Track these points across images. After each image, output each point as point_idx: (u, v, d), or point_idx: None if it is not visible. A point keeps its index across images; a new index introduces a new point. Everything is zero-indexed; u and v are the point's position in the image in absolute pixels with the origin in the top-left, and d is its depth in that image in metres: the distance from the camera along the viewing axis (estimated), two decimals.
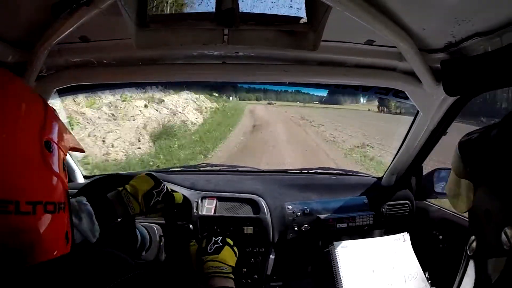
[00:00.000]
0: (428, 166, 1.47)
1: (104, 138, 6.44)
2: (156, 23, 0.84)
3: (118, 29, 0.83)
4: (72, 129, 5.54)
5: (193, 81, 1.15)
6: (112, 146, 6.38)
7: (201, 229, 1.23)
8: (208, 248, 0.95)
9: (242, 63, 1.04)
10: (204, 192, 1.31)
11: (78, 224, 0.75)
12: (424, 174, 1.46)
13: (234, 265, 0.95)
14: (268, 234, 1.26)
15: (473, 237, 0.60)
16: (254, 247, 1.27)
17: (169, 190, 1.02)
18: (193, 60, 1.04)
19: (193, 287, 1.08)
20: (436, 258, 1.12)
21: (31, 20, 0.78)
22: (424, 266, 1.17)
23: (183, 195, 1.28)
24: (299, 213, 1.31)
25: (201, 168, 1.64)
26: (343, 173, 1.66)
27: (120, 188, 0.93)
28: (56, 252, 0.51)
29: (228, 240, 1.00)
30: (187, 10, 0.83)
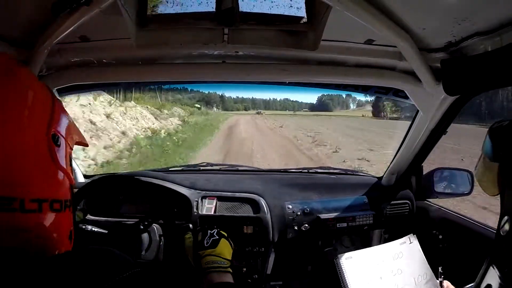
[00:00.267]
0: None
1: None
2: (156, 23, 0.84)
3: (118, 28, 0.83)
4: None
5: (193, 81, 1.15)
6: None
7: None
8: (205, 242, 0.93)
9: (242, 62, 1.04)
10: (204, 192, 1.31)
11: None
12: (424, 173, 1.46)
13: (230, 258, 0.93)
14: (268, 233, 1.26)
15: (506, 217, 0.64)
16: (254, 247, 1.27)
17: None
18: (193, 60, 1.04)
19: (193, 286, 1.08)
20: (436, 258, 1.12)
21: (31, 20, 0.78)
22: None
23: (182, 194, 1.28)
24: (299, 213, 1.31)
25: (201, 168, 1.64)
26: (343, 172, 1.66)
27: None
28: (59, 251, 0.50)
29: (223, 232, 0.99)
30: (187, 9, 0.83)
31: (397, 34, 0.80)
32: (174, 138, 9.61)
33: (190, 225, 1.22)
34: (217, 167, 1.65)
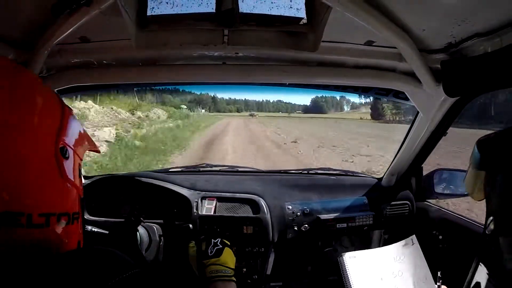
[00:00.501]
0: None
1: None
2: (156, 24, 0.84)
3: (118, 29, 0.83)
4: None
5: (193, 82, 1.15)
6: None
7: (201, 229, 1.23)
8: (209, 251, 0.94)
9: (242, 63, 1.04)
10: (204, 192, 1.31)
11: None
12: (424, 174, 1.46)
13: (234, 267, 0.94)
14: (268, 234, 1.26)
15: (491, 218, 0.72)
16: (254, 247, 1.27)
17: None
18: (193, 61, 1.04)
19: (192, 286, 1.08)
20: (436, 258, 1.11)
21: (31, 21, 0.78)
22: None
23: (182, 195, 1.28)
24: (299, 213, 1.31)
25: (201, 169, 1.64)
26: (343, 173, 1.66)
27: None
28: None
29: (226, 241, 0.99)
30: (187, 10, 0.83)
31: (397, 35, 0.80)
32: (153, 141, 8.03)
33: (190, 225, 1.22)
34: (217, 168, 1.65)
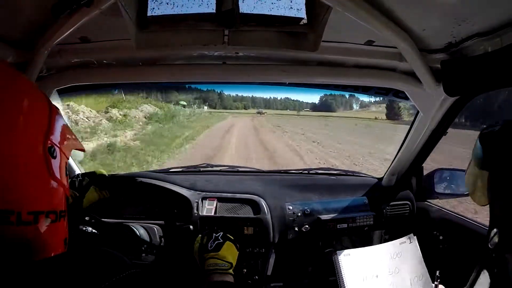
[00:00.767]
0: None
1: None
2: (156, 24, 0.84)
3: (119, 29, 0.83)
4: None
5: (193, 82, 1.15)
6: None
7: (201, 230, 1.23)
8: (209, 245, 0.97)
9: (242, 63, 1.04)
10: (204, 193, 1.31)
11: None
12: (424, 174, 1.46)
13: (234, 261, 0.96)
14: (269, 234, 1.26)
15: (495, 230, 0.59)
16: (255, 248, 1.26)
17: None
18: (193, 61, 1.04)
19: (191, 286, 1.09)
20: (436, 258, 1.11)
21: (32, 21, 0.78)
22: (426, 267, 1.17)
23: (183, 195, 1.28)
24: (299, 214, 1.31)
25: (202, 169, 1.64)
26: (344, 173, 1.66)
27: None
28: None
29: (229, 235, 1.02)
30: (187, 11, 0.83)
31: (397, 35, 0.80)
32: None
33: (191, 226, 1.22)
34: (217, 168, 1.65)
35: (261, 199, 1.30)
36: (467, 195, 1.40)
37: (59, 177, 0.50)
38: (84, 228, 1.17)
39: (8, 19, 0.75)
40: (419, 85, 1.00)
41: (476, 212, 3.24)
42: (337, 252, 1.11)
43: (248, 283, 1.26)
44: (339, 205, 1.36)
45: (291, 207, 1.32)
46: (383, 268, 1.09)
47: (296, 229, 1.29)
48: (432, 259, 1.11)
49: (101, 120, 10.01)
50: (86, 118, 9.57)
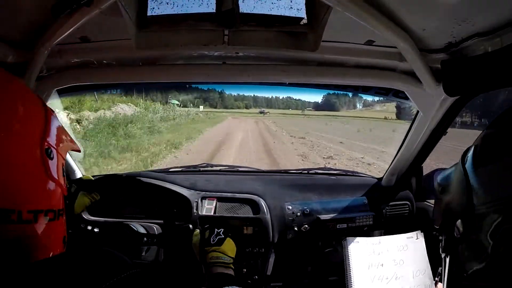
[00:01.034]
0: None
1: None
2: (156, 24, 0.84)
3: (118, 29, 0.83)
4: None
5: (193, 82, 1.15)
6: None
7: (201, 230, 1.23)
8: (211, 239, 1.01)
9: (242, 63, 1.04)
10: (204, 192, 1.31)
11: None
12: (424, 174, 1.46)
13: (234, 257, 1.01)
14: (268, 234, 1.26)
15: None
16: (254, 248, 1.27)
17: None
18: (193, 61, 1.04)
19: (191, 286, 1.10)
20: (436, 259, 1.12)
21: (31, 21, 0.78)
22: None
23: (182, 195, 1.28)
24: (299, 214, 1.31)
25: (201, 169, 1.64)
26: (343, 173, 1.66)
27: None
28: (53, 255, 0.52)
29: (228, 232, 1.06)
30: (187, 11, 0.83)
31: (397, 35, 0.80)
32: None
33: (190, 226, 1.22)
34: (217, 168, 1.65)
35: (261, 199, 1.31)
36: None
37: (56, 177, 0.53)
38: (83, 227, 1.18)
39: (8, 19, 0.75)
40: (419, 85, 1.00)
41: None
42: (347, 238, 1.16)
43: (248, 283, 1.26)
44: (338, 205, 1.36)
45: (290, 207, 1.32)
46: (389, 258, 1.14)
47: (296, 229, 1.30)
48: (432, 259, 1.11)
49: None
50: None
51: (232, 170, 1.64)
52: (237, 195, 1.32)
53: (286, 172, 1.73)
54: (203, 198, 1.30)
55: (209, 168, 1.65)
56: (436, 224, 0.66)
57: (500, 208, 0.44)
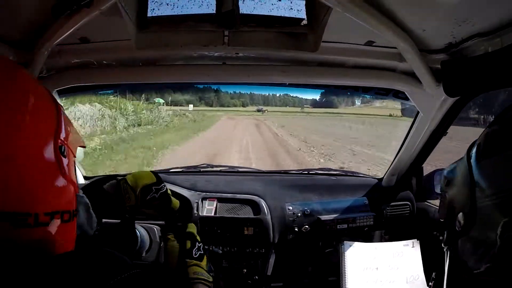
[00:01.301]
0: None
1: None
2: (156, 25, 0.84)
3: (118, 30, 0.83)
4: None
5: (193, 82, 1.15)
6: None
7: (202, 231, 1.23)
8: (193, 252, 0.93)
9: (242, 64, 1.04)
10: (204, 193, 1.31)
11: None
12: (424, 174, 1.46)
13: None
14: (269, 235, 1.26)
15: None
16: (255, 248, 1.26)
17: (169, 192, 1.01)
18: (193, 61, 1.04)
19: None
20: (436, 259, 1.11)
21: (31, 21, 0.78)
22: (425, 267, 1.17)
23: (183, 195, 1.28)
24: (299, 214, 1.31)
25: (202, 169, 1.64)
26: (344, 174, 1.66)
27: (120, 178, 0.91)
28: None
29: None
30: (187, 11, 0.83)
31: (397, 35, 0.80)
32: None
33: None
34: (218, 169, 1.65)
35: (261, 200, 1.30)
36: None
37: (70, 176, 0.50)
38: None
39: (8, 19, 0.74)
40: (419, 85, 1.00)
41: None
42: (344, 242, 1.18)
43: (248, 283, 1.26)
44: (339, 205, 1.36)
45: (291, 208, 1.32)
46: (384, 263, 1.16)
47: (296, 229, 1.29)
48: (432, 260, 1.11)
49: None
50: None
51: (232, 171, 1.64)
52: (238, 196, 1.32)
53: (286, 172, 1.73)
54: (203, 198, 1.29)
55: (210, 169, 1.65)
56: (441, 217, 0.66)
57: (504, 201, 0.43)
